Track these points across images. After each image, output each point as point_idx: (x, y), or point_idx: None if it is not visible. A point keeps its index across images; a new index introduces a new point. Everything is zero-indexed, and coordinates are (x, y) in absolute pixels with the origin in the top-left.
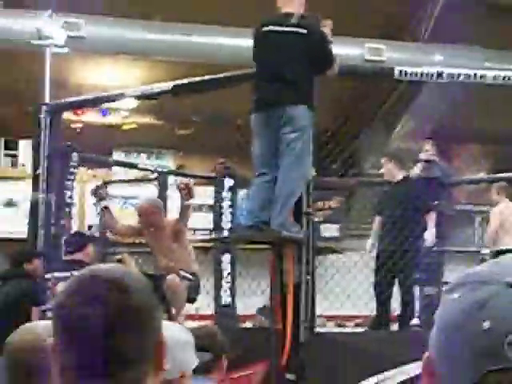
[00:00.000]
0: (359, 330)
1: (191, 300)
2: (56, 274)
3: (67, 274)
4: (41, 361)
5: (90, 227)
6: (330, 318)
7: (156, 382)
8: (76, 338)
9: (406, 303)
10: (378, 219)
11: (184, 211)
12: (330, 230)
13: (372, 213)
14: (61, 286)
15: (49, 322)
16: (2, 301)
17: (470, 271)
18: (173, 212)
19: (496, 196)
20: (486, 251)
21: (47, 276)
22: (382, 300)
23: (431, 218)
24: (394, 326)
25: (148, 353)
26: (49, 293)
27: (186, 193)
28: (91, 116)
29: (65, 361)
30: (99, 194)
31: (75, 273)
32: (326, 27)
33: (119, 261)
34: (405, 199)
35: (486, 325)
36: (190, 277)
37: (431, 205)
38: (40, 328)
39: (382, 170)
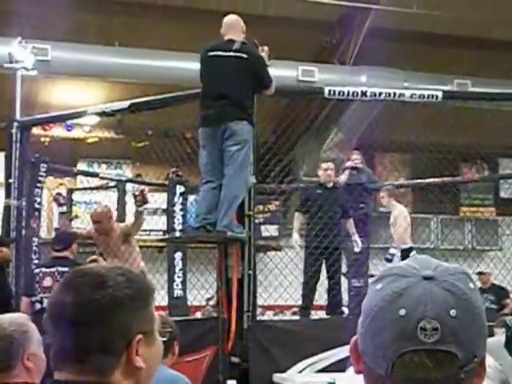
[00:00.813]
0: (295, 317)
1: None
2: (44, 269)
3: (54, 269)
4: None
5: (56, 229)
6: (269, 307)
7: (126, 377)
8: (52, 322)
9: (334, 294)
10: (298, 215)
11: (138, 216)
12: (269, 231)
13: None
14: (47, 281)
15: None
16: None
17: (392, 265)
18: (130, 215)
19: (387, 199)
20: (394, 250)
21: (36, 270)
22: (307, 291)
23: (351, 224)
24: (321, 314)
25: (114, 346)
26: (37, 286)
27: (141, 199)
28: (57, 131)
29: (52, 344)
30: (58, 200)
31: (61, 268)
32: (264, 52)
33: (92, 261)
34: (333, 203)
35: (403, 312)
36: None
37: (352, 211)
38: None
39: (321, 172)
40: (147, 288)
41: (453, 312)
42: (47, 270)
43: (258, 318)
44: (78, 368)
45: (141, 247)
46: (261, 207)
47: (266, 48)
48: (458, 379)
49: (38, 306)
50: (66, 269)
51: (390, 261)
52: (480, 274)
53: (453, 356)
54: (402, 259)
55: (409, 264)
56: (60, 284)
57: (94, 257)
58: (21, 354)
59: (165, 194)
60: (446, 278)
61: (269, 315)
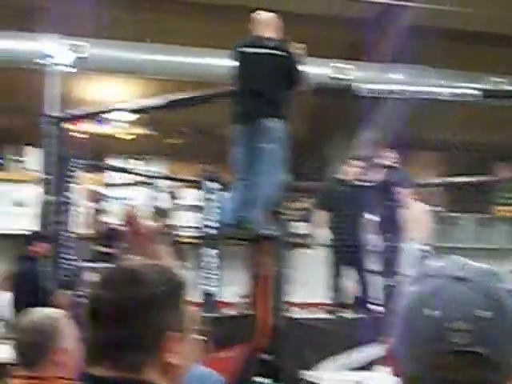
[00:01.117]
0: (326, 315)
1: None
2: (86, 265)
3: (97, 264)
4: None
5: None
6: (300, 305)
7: (160, 374)
8: (89, 317)
9: (362, 290)
10: (318, 213)
11: (169, 215)
12: (301, 228)
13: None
14: (91, 276)
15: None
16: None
17: (424, 267)
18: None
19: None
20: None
21: (77, 265)
22: (335, 288)
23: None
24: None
25: (147, 343)
26: (80, 280)
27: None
28: (92, 126)
29: (85, 339)
30: (94, 196)
31: (105, 264)
32: (301, 50)
33: None
34: (354, 200)
35: (435, 313)
36: None
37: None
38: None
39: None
40: (181, 284)
41: (485, 313)
42: (89, 264)
43: (290, 316)
44: (112, 364)
45: (175, 243)
46: (293, 204)
47: (302, 46)
48: (491, 381)
49: (78, 300)
50: (108, 265)
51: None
52: None
53: (485, 358)
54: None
55: (441, 265)
56: (99, 280)
57: None
58: (50, 348)
59: (198, 191)
60: (479, 279)
61: (299, 313)
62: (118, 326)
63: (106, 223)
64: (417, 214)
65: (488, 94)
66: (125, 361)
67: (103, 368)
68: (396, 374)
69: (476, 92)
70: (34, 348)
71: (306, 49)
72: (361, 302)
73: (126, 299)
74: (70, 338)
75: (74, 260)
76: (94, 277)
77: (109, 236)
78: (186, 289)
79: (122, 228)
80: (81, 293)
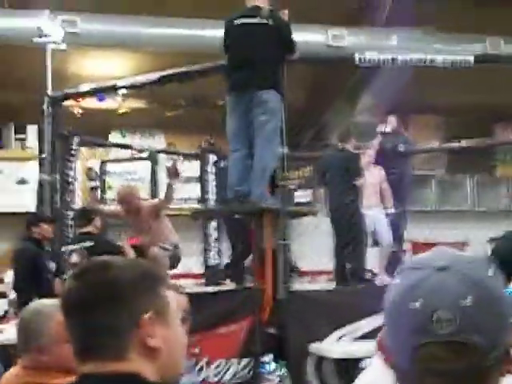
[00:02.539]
0: (330, 285)
1: (173, 267)
2: (70, 247)
3: (79, 246)
4: None
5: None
6: (304, 273)
7: (144, 359)
8: (63, 311)
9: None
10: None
11: (169, 190)
12: (303, 196)
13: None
14: (74, 258)
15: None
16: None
17: (410, 259)
18: (162, 185)
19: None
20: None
21: (63, 249)
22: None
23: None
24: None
25: (121, 326)
26: (65, 263)
27: (173, 172)
28: (89, 102)
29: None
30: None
31: (85, 244)
32: (284, 15)
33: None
34: (338, 167)
35: (417, 304)
36: (169, 247)
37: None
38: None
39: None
40: (154, 274)
41: (468, 301)
42: (73, 246)
43: (293, 289)
44: (97, 357)
45: (176, 215)
46: (292, 174)
47: (285, 12)
48: (482, 368)
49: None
50: (90, 243)
51: None
52: None
53: (472, 345)
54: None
55: (424, 256)
56: (72, 274)
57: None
58: (33, 346)
59: (198, 162)
60: (461, 268)
61: (303, 282)
62: (88, 312)
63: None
64: (377, 180)
65: (480, 59)
66: (107, 350)
67: (89, 363)
68: (387, 363)
69: (468, 58)
70: (21, 343)
71: (287, 14)
72: (353, 273)
73: (91, 285)
74: (59, 336)
75: (63, 243)
76: (74, 259)
77: (84, 215)
78: (159, 278)
79: (108, 210)
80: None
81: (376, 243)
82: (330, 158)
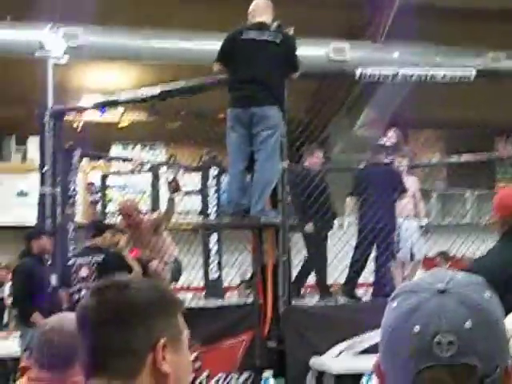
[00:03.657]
0: (331, 300)
1: (175, 280)
2: (79, 260)
3: (88, 258)
4: None
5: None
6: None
7: (150, 381)
8: (78, 326)
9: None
10: (350, 199)
11: (170, 204)
12: None
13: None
14: (83, 271)
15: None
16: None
17: (407, 282)
18: (163, 199)
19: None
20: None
21: (71, 262)
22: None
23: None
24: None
25: (137, 348)
26: (74, 277)
27: (174, 186)
28: (91, 115)
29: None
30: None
31: (96, 258)
32: (290, 33)
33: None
34: (382, 181)
35: (417, 328)
36: (170, 261)
37: (405, 186)
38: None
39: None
40: (172, 298)
41: (468, 324)
42: (82, 259)
43: (294, 303)
44: (106, 374)
45: (177, 228)
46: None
47: (292, 29)
48: None
49: (76, 296)
50: (100, 258)
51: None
52: None
53: (472, 368)
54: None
55: (422, 279)
56: (89, 290)
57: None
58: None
59: (199, 175)
60: (460, 290)
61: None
62: (104, 331)
63: (96, 214)
64: (412, 190)
65: (481, 73)
66: (116, 368)
67: (97, 379)
68: None
69: (468, 73)
70: (43, 357)
71: (293, 31)
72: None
73: (110, 304)
74: None
75: (71, 256)
76: (84, 272)
77: (92, 228)
78: (177, 302)
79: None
80: (79, 288)
81: (410, 256)
82: (368, 171)
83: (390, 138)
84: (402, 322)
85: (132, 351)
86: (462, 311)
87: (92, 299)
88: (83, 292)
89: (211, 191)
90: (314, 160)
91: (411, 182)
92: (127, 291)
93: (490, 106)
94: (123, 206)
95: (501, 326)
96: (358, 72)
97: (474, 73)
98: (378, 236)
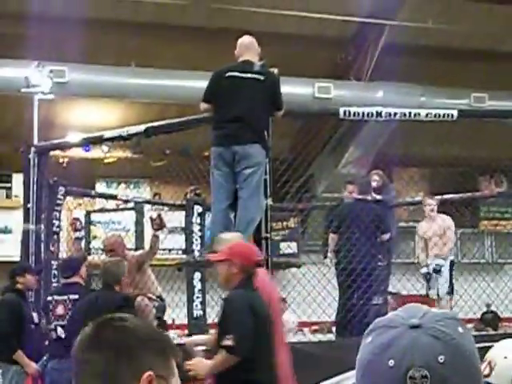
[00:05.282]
0: (317, 337)
1: (158, 318)
2: (56, 297)
3: (65, 296)
4: None
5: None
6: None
7: None
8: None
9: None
10: (332, 236)
11: (154, 241)
12: (289, 248)
13: (325, 230)
14: (59, 309)
15: None
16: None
17: (381, 318)
18: (148, 236)
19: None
20: (442, 261)
21: (49, 298)
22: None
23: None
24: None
25: (124, 378)
26: (51, 314)
27: (158, 223)
28: (75, 151)
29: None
30: (75, 225)
31: (72, 296)
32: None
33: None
34: (364, 220)
35: (391, 363)
36: (155, 298)
37: (389, 226)
38: None
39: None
40: (166, 340)
41: (441, 358)
42: (59, 297)
43: None
44: None
45: (160, 265)
46: (279, 224)
47: (276, 70)
48: None
49: (53, 334)
50: (76, 296)
51: (438, 272)
52: None
53: None
54: (451, 270)
55: (396, 314)
56: (89, 322)
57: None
58: None
59: (183, 213)
60: (433, 325)
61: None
62: (97, 357)
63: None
64: (442, 228)
65: (464, 113)
66: None
67: None
68: None
69: (451, 112)
70: None
71: (278, 71)
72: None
73: (109, 332)
74: None
75: (48, 293)
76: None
77: (70, 266)
78: (170, 345)
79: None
80: (55, 326)
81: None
82: (351, 207)
83: (374, 181)
84: (376, 356)
85: (117, 378)
86: (435, 346)
87: (89, 327)
88: (59, 330)
89: (195, 228)
90: None
91: (440, 222)
92: (124, 322)
93: (474, 145)
94: (108, 242)
95: (474, 360)
96: (341, 111)
97: (456, 113)
98: (357, 275)
